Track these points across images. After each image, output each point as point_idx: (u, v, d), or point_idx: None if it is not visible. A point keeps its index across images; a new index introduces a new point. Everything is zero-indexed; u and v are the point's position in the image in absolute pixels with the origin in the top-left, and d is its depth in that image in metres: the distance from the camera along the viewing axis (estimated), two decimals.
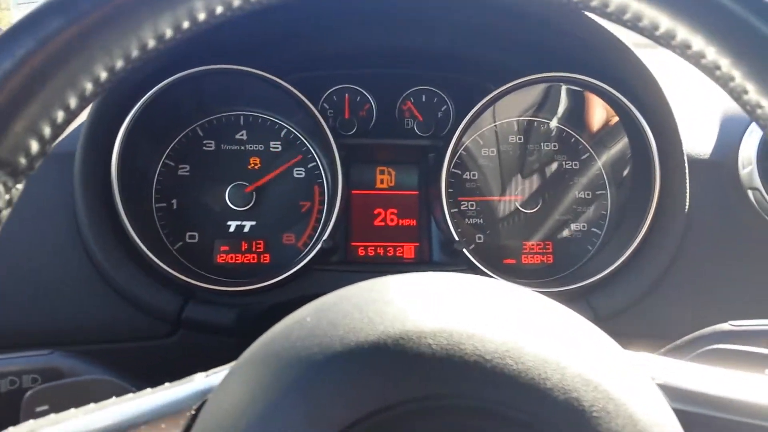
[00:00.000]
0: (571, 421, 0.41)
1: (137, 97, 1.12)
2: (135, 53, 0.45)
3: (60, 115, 0.44)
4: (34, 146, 0.44)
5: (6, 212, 0.44)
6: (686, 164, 1.16)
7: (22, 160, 0.43)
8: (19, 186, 0.45)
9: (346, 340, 0.44)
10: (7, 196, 0.44)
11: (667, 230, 1.16)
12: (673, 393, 0.48)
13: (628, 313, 1.15)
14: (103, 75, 0.45)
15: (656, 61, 1.18)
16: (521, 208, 1.30)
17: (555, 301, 0.49)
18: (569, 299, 1.13)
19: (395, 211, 1.30)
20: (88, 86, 0.44)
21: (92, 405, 0.52)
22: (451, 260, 1.25)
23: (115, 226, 1.10)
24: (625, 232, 1.22)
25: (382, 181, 1.32)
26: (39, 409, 0.71)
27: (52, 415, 0.51)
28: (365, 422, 0.42)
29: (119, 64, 0.45)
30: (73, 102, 0.44)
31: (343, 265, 1.26)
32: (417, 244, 1.30)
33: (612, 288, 1.16)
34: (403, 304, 0.46)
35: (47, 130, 0.44)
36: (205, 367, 0.95)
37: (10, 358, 0.82)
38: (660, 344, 0.78)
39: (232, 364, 0.51)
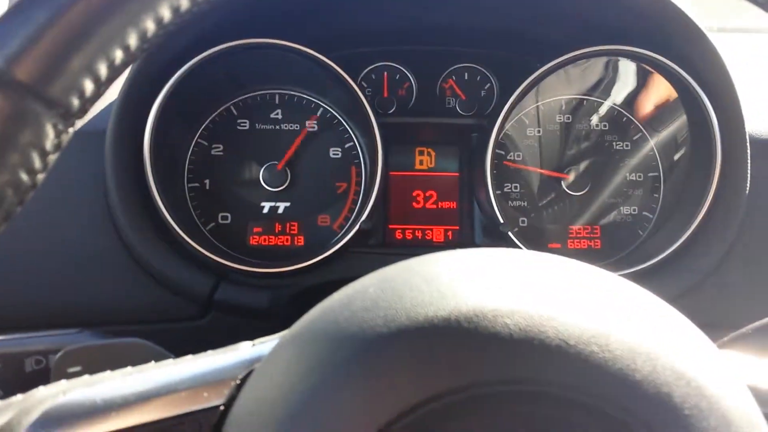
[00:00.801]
0: (661, 416, 0.37)
1: (170, 73, 1.09)
2: None
3: (119, 55, 0.40)
4: (89, 87, 0.40)
5: (54, 156, 0.41)
6: (748, 145, 1.09)
7: (75, 101, 0.40)
8: (70, 129, 0.41)
9: (414, 313, 0.40)
10: (56, 140, 0.40)
11: (726, 214, 1.09)
12: (763, 396, 0.43)
13: (682, 301, 1.08)
14: (167, 15, 0.41)
15: (721, 44, 1.10)
16: (568, 190, 1.24)
17: (643, 288, 0.44)
18: None
19: (435, 193, 1.25)
20: (151, 26, 0.41)
21: (129, 368, 0.49)
22: (494, 243, 1.19)
23: (147, 206, 1.07)
24: (680, 216, 1.15)
25: (421, 162, 1.27)
26: (71, 370, 0.68)
27: (86, 376, 0.48)
28: (431, 404, 0.38)
29: (184, 4, 0.42)
30: (133, 41, 0.41)
31: (381, 248, 1.21)
32: (457, 227, 1.25)
33: (666, 274, 1.09)
34: (477, 279, 0.42)
35: (104, 71, 0.40)
36: None
37: (36, 336, 0.80)
38: (716, 333, 0.72)
39: (284, 333, 0.46)
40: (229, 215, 1.20)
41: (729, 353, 0.50)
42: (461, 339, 0.39)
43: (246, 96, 1.24)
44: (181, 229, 1.07)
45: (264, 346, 0.48)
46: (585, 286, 0.43)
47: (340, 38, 1.25)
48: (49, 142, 0.40)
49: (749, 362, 0.49)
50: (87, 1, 0.39)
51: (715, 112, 1.10)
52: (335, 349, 0.40)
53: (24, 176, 0.40)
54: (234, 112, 1.23)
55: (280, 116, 1.24)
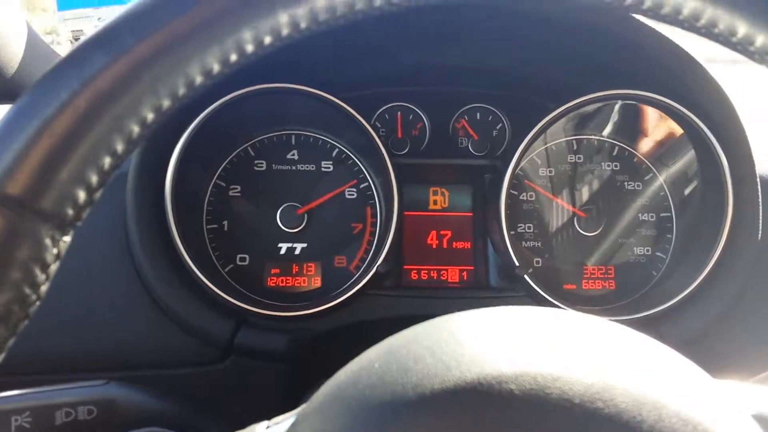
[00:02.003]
0: None
1: (189, 119, 1.10)
2: (182, 91, 0.43)
3: (107, 161, 0.41)
4: (81, 196, 0.41)
5: (54, 266, 0.42)
6: (759, 186, 1.10)
7: (69, 211, 0.41)
8: (67, 238, 0.42)
9: (420, 387, 0.41)
10: (54, 250, 0.41)
11: (738, 257, 1.10)
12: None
13: (695, 345, 1.09)
14: (150, 116, 0.42)
15: (724, 78, 1.12)
16: (581, 231, 1.25)
17: (636, 331, 0.45)
18: (635, 328, 1.07)
19: (449, 233, 1.26)
20: (135, 129, 0.42)
21: None
22: (509, 285, 1.21)
23: (168, 250, 1.08)
24: (693, 258, 1.16)
25: (435, 202, 1.28)
26: None
27: None
28: None
29: (166, 103, 0.42)
30: (120, 146, 0.41)
31: (397, 290, 1.22)
32: (471, 267, 1.25)
33: (682, 316, 1.10)
34: (478, 344, 0.43)
35: (94, 178, 0.41)
36: (256, 394, 0.91)
37: (64, 389, 0.81)
38: (735, 375, 0.73)
39: (297, 411, 0.48)
40: (247, 256, 1.22)
41: (730, 384, 0.51)
42: (468, 408, 0.40)
43: (263, 137, 1.26)
44: (200, 271, 1.08)
45: (279, 427, 0.49)
46: (586, 339, 0.44)
47: (354, 80, 1.26)
48: (49, 254, 0.41)
49: (752, 391, 0.50)
50: (72, 111, 0.40)
51: (725, 154, 1.11)
52: (348, 427, 0.41)
53: (27, 290, 0.41)
54: (251, 153, 1.25)
55: (296, 157, 1.26)
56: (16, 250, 0.39)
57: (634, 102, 1.20)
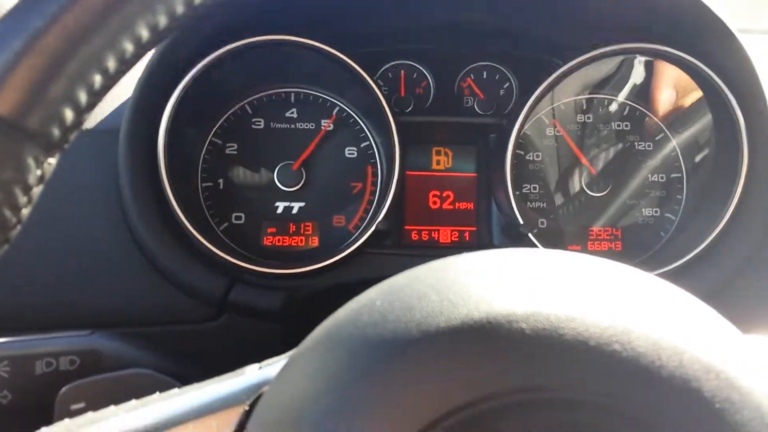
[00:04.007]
0: (691, 413, 0.35)
1: (185, 71, 1.07)
2: (180, 9, 0.40)
3: (97, 80, 0.39)
4: (69, 116, 0.39)
5: (38, 189, 0.39)
6: None
7: (56, 132, 0.38)
8: (52, 160, 0.39)
9: (424, 325, 0.38)
10: (38, 172, 0.39)
11: (751, 216, 1.07)
12: None
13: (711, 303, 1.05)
14: (145, 34, 0.39)
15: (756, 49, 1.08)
16: (588, 191, 1.21)
17: (660, 278, 0.42)
18: None
19: (452, 193, 1.23)
20: (129, 47, 0.39)
21: (134, 401, 0.48)
22: (513, 245, 1.17)
23: (161, 206, 1.05)
24: (704, 218, 1.12)
25: (438, 162, 1.24)
26: (74, 407, 0.67)
27: (90, 414, 0.47)
28: (448, 419, 0.36)
29: (163, 21, 0.40)
30: (111, 65, 0.39)
31: (396, 249, 1.19)
32: (474, 228, 1.22)
33: (689, 277, 1.07)
34: (487, 283, 0.40)
35: (83, 97, 0.39)
36: (250, 353, 0.89)
37: (47, 338, 0.78)
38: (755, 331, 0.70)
39: (291, 353, 0.45)
40: (242, 215, 1.19)
41: (756, 338, 0.48)
42: (476, 348, 0.37)
43: (261, 94, 1.22)
44: (194, 228, 1.05)
45: (272, 368, 0.46)
46: (602, 281, 0.41)
47: (356, 36, 1.23)
48: (32, 176, 0.39)
49: None
50: (61, 25, 0.37)
51: (743, 114, 1.07)
52: (346, 367, 0.39)
53: (8, 213, 0.38)
54: (249, 110, 1.22)
55: (295, 115, 1.22)
56: None
57: (651, 58, 1.15)
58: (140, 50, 0.40)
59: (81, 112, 0.39)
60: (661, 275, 1.06)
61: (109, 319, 1.04)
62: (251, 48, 1.10)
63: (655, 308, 0.39)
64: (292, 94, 1.23)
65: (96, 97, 0.40)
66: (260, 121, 1.22)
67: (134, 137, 1.05)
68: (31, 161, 0.38)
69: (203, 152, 1.19)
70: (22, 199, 0.39)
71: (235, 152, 1.20)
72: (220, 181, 1.19)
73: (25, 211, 0.40)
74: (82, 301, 1.04)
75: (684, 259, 1.06)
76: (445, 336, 0.37)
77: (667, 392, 0.35)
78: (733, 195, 1.07)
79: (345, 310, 0.43)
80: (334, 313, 0.44)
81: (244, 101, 1.22)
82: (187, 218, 1.05)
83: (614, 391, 0.36)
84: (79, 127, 0.40)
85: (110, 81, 0.40)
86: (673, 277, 1.06)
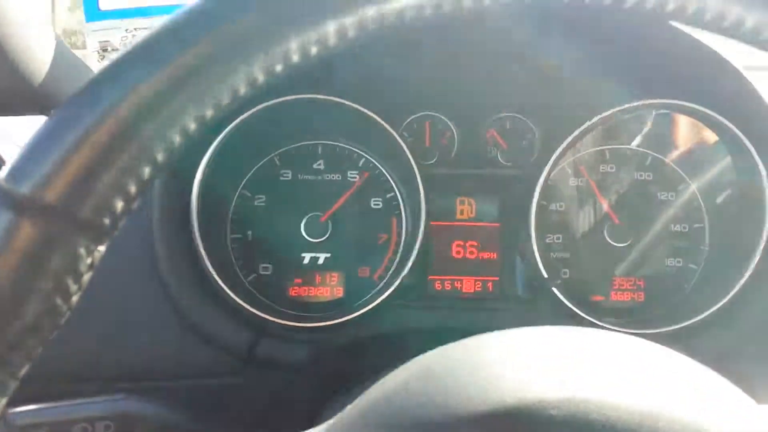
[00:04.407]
0: None
1: (219, 128, 1.10)
2: (226, 100, 0.42)
3: (147, 171, 0.40)
4: (119, 205, 0.40)
5: (87, 276, 0.41)
6: None
7: (106, 221, 0.40)
8: (101, 248, 0.41)
9: (458, 410, 0.39)
10: (89, 260, 0.40)
11: None
12: None
13: (733, 360, 1.05)
14: (192, 126, 0.41)
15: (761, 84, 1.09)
16: (611, 241, 1.22)
17: (681, 354, 0.43)
18: (666, 342, 1.04)
19: (476, 243, 1.24)
20: (176, 138, 0.41)
21: None
22: (536, 296, 1.18)
23: (192, 259, 1.08)
24: (728, 268, 1.12)
25: (462, 212, 1.26)
26: None
27: None
28: None
29: (209, 113, 0.41)
30: (160, 156, 0.40)
31: (421, 301, 1.20)
32: (497, 278, 1.23)
33: (715, 330, 1.07)
34: (518, 366, 0.41)
35: (133, 188, 0.40)
36: (275, 406, 0.90)
37: (82, 403, 0.81)
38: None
39: (325, 427, 0.46)
40: (270, 266, 1.21)
41: None
42: None
43: (289, 147, 1.25)
44: (222, 280, 1.07)
45: None
46: (627, 362, 0.42)
47: (381, 90, 1.25)
48: (83, 264, 0.40)
49: None
50: (114, 119, 0.39)
51: (762, 162, 1.08)
52: None
53: (59, 301, 0.40)
54: (277, 162, 1.25)
55: (322, 167, 1.25)
56: (50, 260, 0.39)
57: (668, 111, 1.17)
58: (186, 139, 0.42)
59: (130, 201, 0.40)
60: (682, 329, 1.06)
61: (139, 372, 1.05)
62: (282, 105, 1.13)
63: (679, 390, 0.40)
64: (319, 146, 1.26)
65: (144, 185, 0.41)
66: (288, 173, 1.25)
67: (169, 190, 1.08)
68: (82, 250, 0.39)
69: (233, 204, 1.22)
70: (73, 288, 0.40)
71: (264, 204, 1.23)
72: (249, 232, 1.22)
73: (75, 299, 0.41)
74: (111, 353, 1.06)
75: (706, 313, 1.07)
76: (479, 421, 0.38)
77: None
78: (757, 248, 1.07)
79: (377, 389, 0.44)
80: (368, 390, 0.45)
81: (273, 154, 1.25)
82: (216, 271, 1.07)
83: None
84: (128, 214, 0.41)
85: (158, 170, 0.41)
86: (696, 330, 1.07)
